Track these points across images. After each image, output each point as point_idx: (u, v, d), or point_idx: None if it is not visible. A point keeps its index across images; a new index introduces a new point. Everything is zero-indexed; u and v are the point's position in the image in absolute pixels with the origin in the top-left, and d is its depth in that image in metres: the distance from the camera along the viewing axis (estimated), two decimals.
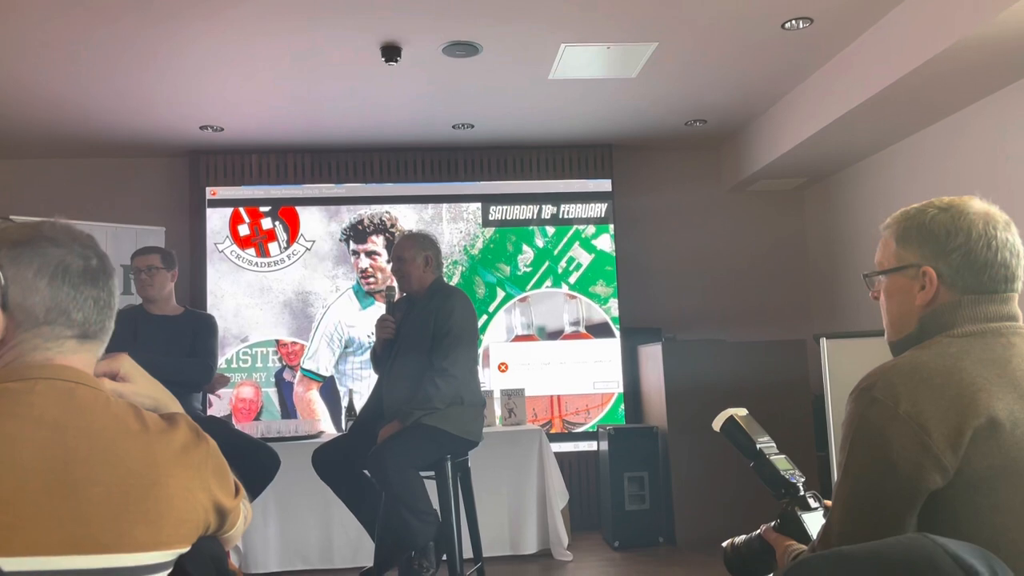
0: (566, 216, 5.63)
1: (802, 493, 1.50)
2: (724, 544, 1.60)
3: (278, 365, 5.40)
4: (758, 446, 1.55)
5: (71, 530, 0.99)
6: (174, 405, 1.30)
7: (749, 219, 5.95)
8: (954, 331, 1.28)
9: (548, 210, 5.63)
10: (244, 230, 5.48)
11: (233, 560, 4.24)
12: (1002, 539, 1.13)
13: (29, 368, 1.08)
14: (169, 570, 1.10)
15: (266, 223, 5.50)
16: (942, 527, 1.12)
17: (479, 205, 5.61)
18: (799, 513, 1.47)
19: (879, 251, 1.42)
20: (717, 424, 1.63)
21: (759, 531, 1.53)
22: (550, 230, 5.62)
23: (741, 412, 1.63)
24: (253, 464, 3.29)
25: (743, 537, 1.58)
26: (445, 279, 3.51)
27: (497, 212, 5.62)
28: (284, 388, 5.39)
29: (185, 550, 1.11)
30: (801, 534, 1.46)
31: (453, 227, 5.59)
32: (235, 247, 5.45)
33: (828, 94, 4.36)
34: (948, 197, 1.37)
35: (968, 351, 1.23)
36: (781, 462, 1.54)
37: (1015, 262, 1.31)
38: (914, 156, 4.68)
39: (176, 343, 3.54)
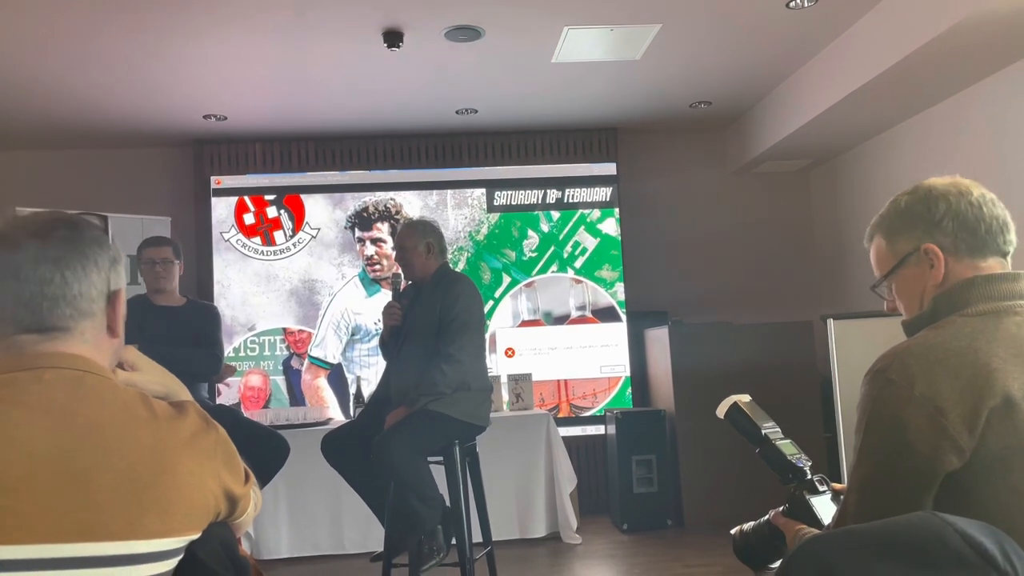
0: (571, 200, 5.62)
1: (809, 477, 1.49)
2: (732, 531, 1.59)
3: (286, 353, 5.42)
4: (763, 431, 1.54)
5: (81, 518, 0.99)
6: (184, 393, 1.30)
7: (755, 201, 5.92)
8: (968, 310, 1.26)
9: (553, 195, 5.62)
10: (249, 219, 5.48)
11: (245, 547, 4.27)
12: (1018, 519, 1.13)
13: (36, 357, 1.09)
14: (180, 557, 1.10)
15: (271, 211, 5.50)
16: (957, 508, 1.11)
17: (483, 191, 5.60)
18: (807, 497, 1.47)
19: (874, 260, 1.42)
20: (721, 411, 1.61)
21: (768, 516, 1.53)
22: (555, 215, 5.61)
23: (744, 398, 1.61)
24: (263, 451, 3.30)
25: (751, 523, 1.57)
26: (451, 265, 3.50)
27: (502, 197, 5.60)
28: (292, 376, 5.41)
29: (196, 537, 1.11)
30: (810, 518, 1.45)
31: (458, 213, 5.58)
32: (241, 236, 5.46)
33: (833, 74, 4.32)
34: (906, 187, 1.39)
35: (982, 330, 1.22)
36: (787, 446, 1.53)
37: (1000, 212, 1.32)
38: (921, 135, 4.64)
39: (182, 333, 3.54)
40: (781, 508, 1.51)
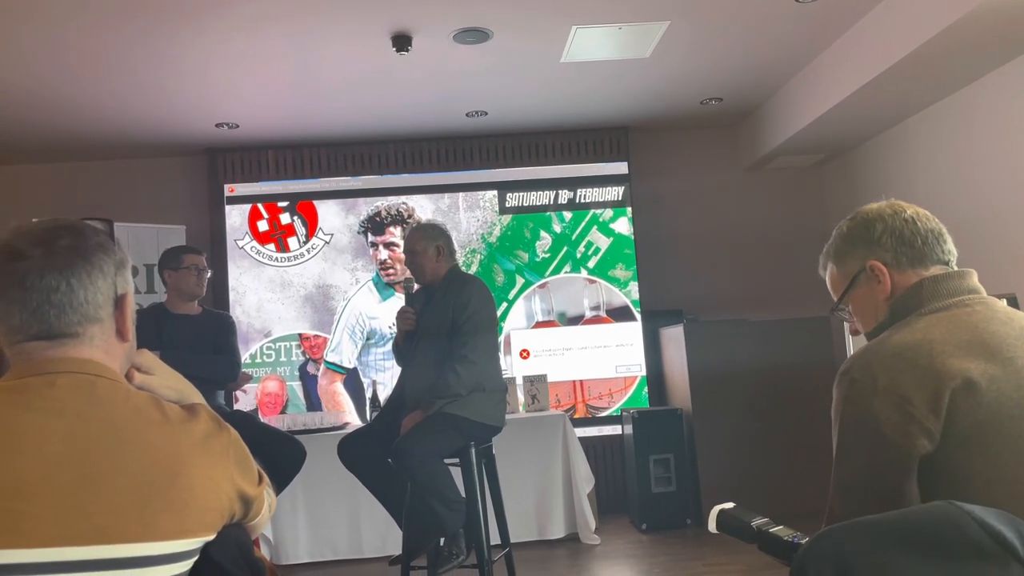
0: (583, 200, 5.61)
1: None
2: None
3: (302, 359, 5.44)
4: (754, 526, 1.56)
5: (95, 520, 1.00)
6: (196, 398, 1.32)
7: (768, 197, 5.88)
8: (921, 310, 1.35)
9: (565, 195, 5.61)
10: (263, 226, 5.51)
11: (264, 552, 4.29)
12: (1002, 491, 1.16)
13: (48, 362, 1.10)
14: (195, 558, 1.11)
15: (285, 218, 5.53)
16: (943, 489, 1.16)
17: (495, 192, 5.60)
18: None
19: (830, 286, 1.54)
20: (712, 524, 1.64)
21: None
22: (567, 215, 5.60)
23: (728, 505, 1.65)
24: (280, 455, 3.31)
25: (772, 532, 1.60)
26: (463, 267, 3.50)
27: (514, 199, 5.60)
28: (308, 381, 5.43)
29: (210, 538, 1.12)
30: None
31: (470, 215, 5.59)
32: (255, 243, 5.49)
33: (845, 67, 4.29)
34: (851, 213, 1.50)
35: (936, 324, 1.30)
36: (782, 531, 1.56)
37: (934, 225, 1.42)
38: (935, 126, 4.60)
39: (199, 341, 3.58)
40: None
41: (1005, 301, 1.42)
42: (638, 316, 5.52)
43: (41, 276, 1.11)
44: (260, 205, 5.51)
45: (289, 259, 5.50)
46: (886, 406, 1.23)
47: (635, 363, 5.49)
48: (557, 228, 5.60)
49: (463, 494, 3.17)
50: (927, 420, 1.20)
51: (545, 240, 5.59)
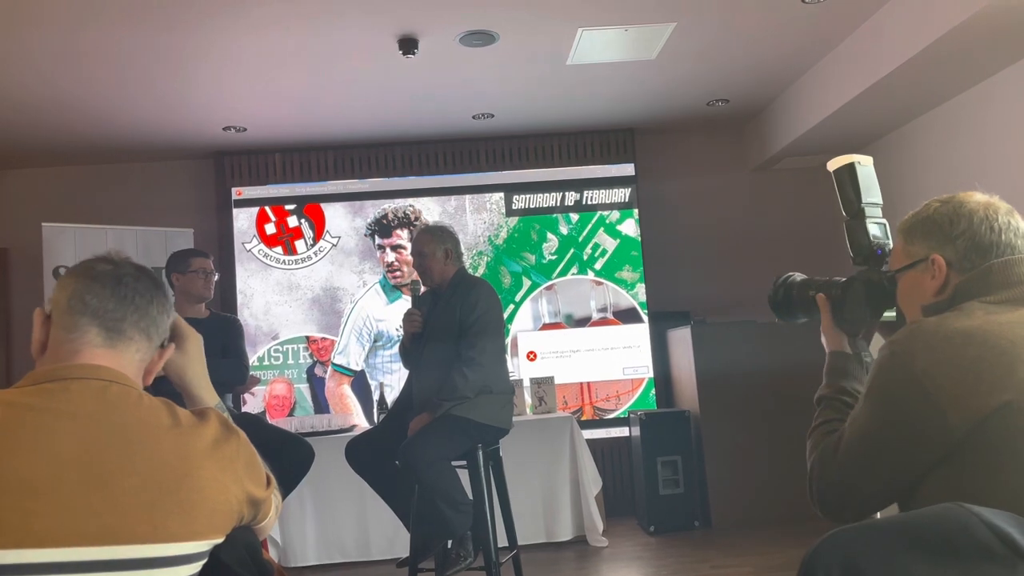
0: (590, 202, 5.61)
1: (882, 270, 1.42)
2: (777, 281, 1.59)
3: (309, 361, 5.45)
4: (862, 204, 1.42)
5: (106, 521, 1.01)
6: (210, 398, 1.34)
7: (776, 198, 5.87)
8: (988, 297, 1.28)
9: (571, 197, 5.61)
10: (270, 229, 5.52)
11: (272, 554, 4.30)
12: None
13: (65, 369, 1.12)
14: (204, 560, 1.12)
15: (292, 221, 5.54)
16: (964, 490, 1.12)
17: (502, 195, 5.61)
18: (863, 288, 1.42)
19: (892, 256, 1.45)
20: (832, 165, 1.46)
21: (817, 288, 1.51)
22: (574, 217, 5.60)
23: (866, 161, 1.47)
24: (289, 456, 3.32)
25: (800, 280, 1.55)
26: (469, 269, 3.51)
27: (520, 201, 5.60)
28: (316, 384, 5.44)
29: (219, 540, 1.13)
30: (857, 307, 1.42)
31: (477, 218, 5.60)
32: (262, 246, 5.51)
33: (853, 67, 4.28)
34: (948, 194, 1.40)
35: (996, 315, 1.23)
36: (877, 228, 1.44)
37: (1021, 243, 1.31)
38: (944, 126, 4.58)
39: (207, 345, 3.56)
40: (837, 280, 1.48)
41: None
42: (645, 318, 5.52)
43: (137, 280, 1.23)
44: (267, 208, 5.53)
45: (296, 262, 5.52)
46: (913, 394, 1.18)
47: (642, 365, 5.49)
48: (564, 230, 5.60)
49: (470, 496, 3.17)
50: (951, 415, 1.15)
51: (552, 242, 5.59)
